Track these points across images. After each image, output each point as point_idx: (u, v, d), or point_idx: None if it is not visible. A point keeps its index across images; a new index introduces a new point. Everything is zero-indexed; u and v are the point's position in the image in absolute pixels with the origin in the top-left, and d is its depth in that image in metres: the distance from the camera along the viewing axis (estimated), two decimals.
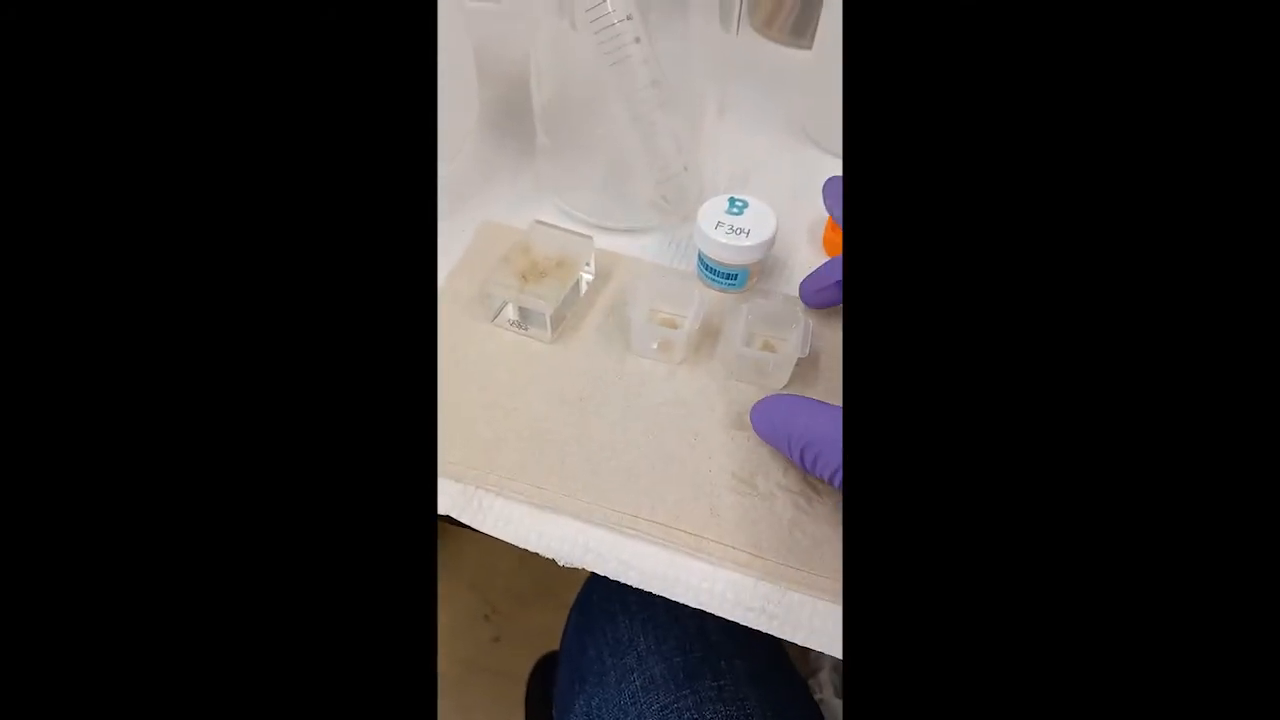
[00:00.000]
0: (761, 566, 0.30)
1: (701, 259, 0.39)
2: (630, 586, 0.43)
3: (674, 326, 0.37)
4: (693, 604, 0.29)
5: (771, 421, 0.31)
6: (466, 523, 0.31)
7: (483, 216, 0.43)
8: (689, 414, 0.34)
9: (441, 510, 0.31)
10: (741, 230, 0.37)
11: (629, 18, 0.34)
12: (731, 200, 0.38)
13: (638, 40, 0.35)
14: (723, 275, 0.38)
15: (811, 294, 0.38)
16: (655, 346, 0.36)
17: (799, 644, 0.29)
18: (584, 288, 0.39)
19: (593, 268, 0.39)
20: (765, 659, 0.41)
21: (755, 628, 0.29)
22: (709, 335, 0.37)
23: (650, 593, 0.43)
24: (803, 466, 0.30)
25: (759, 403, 0.31)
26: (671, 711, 0.37)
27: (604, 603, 0.44)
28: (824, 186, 0.38)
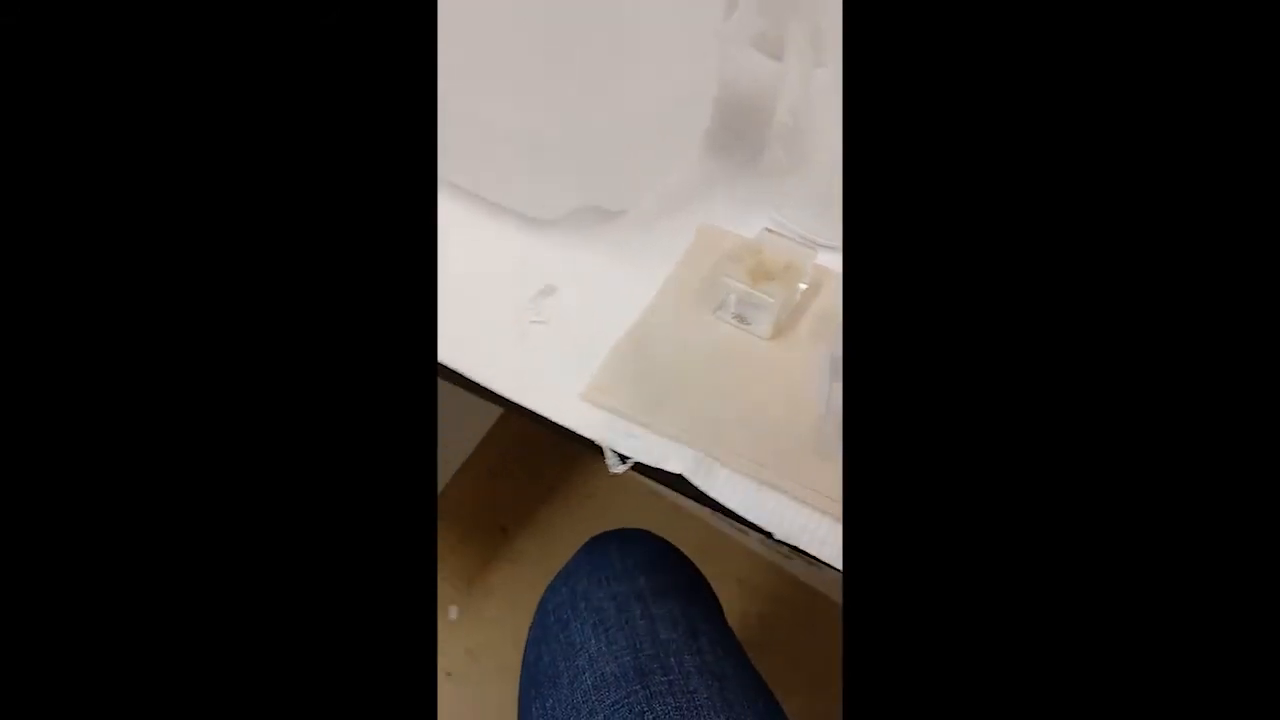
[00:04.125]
0: None
1: None
2: (580, 593, 0.45)
3: None
4: None
5: None
6: (698, 485, 0.33)
7: (700, 221, 0.46)
8: None
9: (676, 469, 0.33)
10: None
11: None
12: None
13: None
14: None
15: None
16: None
17: None
18: (798, 295, 0.41)
19: (809, 278, 0.41)
20: (718, 656, 0.41)
21: None
22: None
23: (601, 599, 0.44)
24: None
25: None
26: (623, 706, 0.37)
27: (557, 610, 0.46)
28: None
